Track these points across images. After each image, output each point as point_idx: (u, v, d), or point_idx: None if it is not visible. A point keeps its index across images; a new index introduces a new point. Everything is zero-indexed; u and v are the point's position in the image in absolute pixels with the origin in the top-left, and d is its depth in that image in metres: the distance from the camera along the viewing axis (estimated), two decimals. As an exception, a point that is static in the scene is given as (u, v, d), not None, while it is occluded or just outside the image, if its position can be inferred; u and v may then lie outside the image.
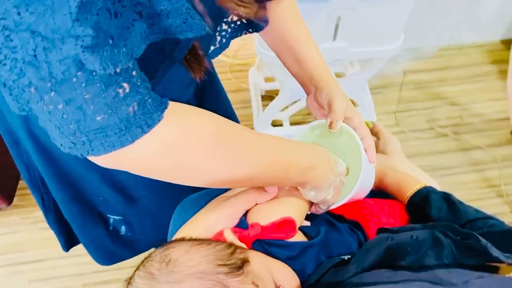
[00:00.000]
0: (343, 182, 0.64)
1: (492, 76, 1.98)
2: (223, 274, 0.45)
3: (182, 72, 0.59)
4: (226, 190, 0.66)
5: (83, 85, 0.38)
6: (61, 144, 0.43)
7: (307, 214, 0.65)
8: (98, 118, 0.39)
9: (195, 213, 0.63)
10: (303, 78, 0.74)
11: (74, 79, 0.37)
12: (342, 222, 0.67)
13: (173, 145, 0.44)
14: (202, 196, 0.68)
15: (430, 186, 0.73)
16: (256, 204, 0.60)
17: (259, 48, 1.32)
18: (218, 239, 0.52)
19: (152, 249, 0.52)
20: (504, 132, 1.79)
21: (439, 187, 0.74)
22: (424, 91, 1.94)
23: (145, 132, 0.42)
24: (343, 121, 0.69)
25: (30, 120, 0.69)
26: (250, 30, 0.73)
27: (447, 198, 0.69)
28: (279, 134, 1.33)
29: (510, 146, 1.75)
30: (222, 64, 1.98)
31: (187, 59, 0.56)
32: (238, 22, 0.71)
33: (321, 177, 0.60)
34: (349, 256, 0.54)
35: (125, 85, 0.40)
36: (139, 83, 0.42)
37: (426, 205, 0.68)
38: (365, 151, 0.68)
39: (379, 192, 0.78)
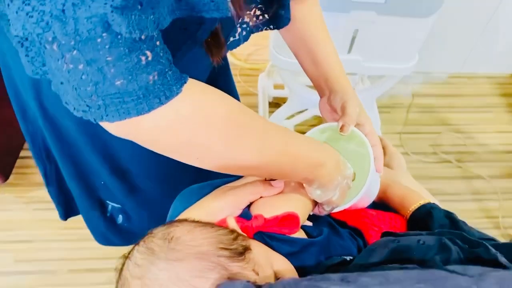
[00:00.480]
0: (350, 186, 0.64)
1: (500, 108, 1.99)
2: (224, 257, 0.44)
3: (201, 56, 0.59)
4: (230, 181, 0.65)
5: (107, 46, 0.37)
6: (74, 108, 0.42)
7: (310, 215, 0.64)
8: (118, 82, 0.39)
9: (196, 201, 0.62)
10: (318, 80, 0.74)
11: (99, 40, 0.37)
12: (344, 227, 0.66)
13: (187, 121, 0.44)
14: (205, 187, 0.68)
15: (433, 203, 0.72)
16: (261, 197, 0.59)
17: (273, 53, 1.32)
18: (221, 225, 0.52)
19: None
20: (508, 165, 1.79)
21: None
22: (431, 115, 1.94)
23: (162, 103, 0.41)
24: (355, 126, 0.68)
25: (41, 90, 0.68)
26: (272, 26, 0.73)
27: (450, 216, 0.68)
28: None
29: (512, 179, 1.75)
30: (233, 66, 1.98)
31: (207, 41, 0.56)
32: (261, 17, 0.71)
33: (329, 176, 0.59)
34: (351, 257, 0.54)
35: (148, 53, 0.40)
36: (161, 54, 0.41)
37: (428, 221, 0.67)
38: (374, 158, 0.67)
39: (381, 205, 0.77)
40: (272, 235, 0.54)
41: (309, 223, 0.63)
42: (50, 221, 1.50)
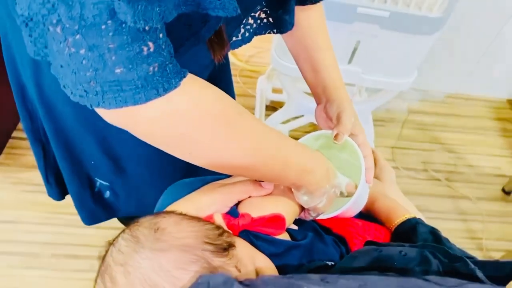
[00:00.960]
0: (337, 195, 0.64)
1: (493, 132, 2.01)
2: (208, 252, 0.44)
3: (203, 53, 0.59)
4: (221, 178, 0.65)
5: (110, 34, 0.38)
6: (71, 92, 0.42)
7: (296, 219, 0.65)
8: (117, 70, 0.39)
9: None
10: (316, 87, 0.75)
11: (103, 26, 0.37)
12: (329, 233, 0.67)
13: (183, 115, 0.44)
14: (196, 182, 0.68)
15: (419, 218, 0.73)
16: (250, 196, 0.60)
17: (275, 56, 1.33)
18: (208, 220, 0.52)
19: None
20: (495, 188, 1.81)
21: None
22: (424, 133, 1.96)
23: (160, 95, 0.42)
24: (348, 136, 0.69)
25: (40, 71, 0.69)
26: (275, 30, 0.73)
27: (434, 232, 0.69)
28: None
29: (499, 202, 1.77)
30: (233, 67, 1.99)
31: (211, 39, 0.57)
32: (265, 20, 0.72)
33: (316, 184, 0.60)
34: (333, 263, 0.54)
35: (151, 44, 0.40)
36: (163, 46, 0.42)
37: (412, 235, 0.68)
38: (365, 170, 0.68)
39: (368, 216, 0.78)
40: (257, 235, 0.54)
41: (295, 227, 0.64)
42: (37, 203, 1.50)
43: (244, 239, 0.53)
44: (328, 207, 0.64)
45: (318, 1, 0.71)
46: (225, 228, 0.51)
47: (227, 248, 0.46)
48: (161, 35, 0.41)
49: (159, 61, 0.41)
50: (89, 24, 0.37)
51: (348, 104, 0.72)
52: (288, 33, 0.73)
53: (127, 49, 0.39)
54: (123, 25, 0.38)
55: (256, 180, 0.61)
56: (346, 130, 0.68)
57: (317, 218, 0.66)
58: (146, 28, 0.39)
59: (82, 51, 0.38)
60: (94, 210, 0.94)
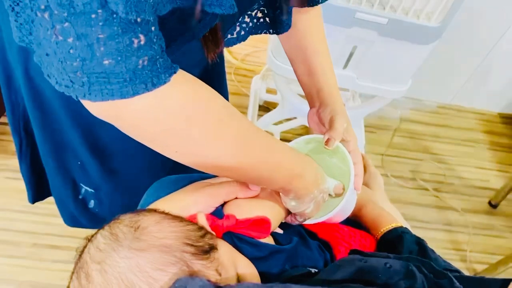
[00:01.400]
0: (325, 200, 0.64)
1: (483, 145, 2.02)
2: (188, 253, 0.43)
3: (196, 50, 0.58)
4: (208, 178, 0.64)
5: (100, 23, 0.36)
6: (56, 82, 0.41)
7: (281, 223, 0.64)
8: (106, 62, 0.38)
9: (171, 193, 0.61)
10: (311, 90, 0.74)
11: (93, 15, 0.36)
12: (314, 239, 0.66)
13: (170, 111, 0.43)
14: (182, 179, 0.67)
15: (405, 227, 0.73)
16: (236, 198, 0.59)
17: (271, 57, 1.32)
18: (190, 220, 0.51)
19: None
20: (482, 201, 1.82)
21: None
22: (415, 142, 1.97)
23: (148, 90, 0.40)
24: (340, 142, 0.69)
25: (29, 59, 0.67)
26: (271, 30, 0.72)
27: (420, 243, 0.69)
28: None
29: (485, 215, 1.78)
30: (228, 65, 1.98)
31: (205, 36, 0.55)
32: (261, 20, 0.71)
33: (305, 189, 0.59)
34: (316, 270, 0.53)
35: (142, 36, 0.39)
36: (155, 40, 0.41)
37: (398, 244, 0.67)
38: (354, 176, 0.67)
39: (354, 222, 0.77)
40: (241, 237, 0.53)
41: (280, 231, 0.63)
42: (20, 191, 1.46)
43: (227, 241, 0.52)
44: (315, 213, 0.63)
45: (316, 4, 0.70)
46: (208, 229, 0.50)
47: (209, 250, 0.45)
48: (153, 28, 0.40)
49: (149, 55, 0.40)
50: (79, 12, 0.36)
51: (341, 110, 0.71)
52: (285, 34, 0.72)
53: (117, 41, 0.37)
54: (114, 15, 0.36)
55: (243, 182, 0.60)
56: (337, 136, 0.67)
57: (303, 223, 0.65)
58: (138, 20, 0.38)
59: (70, 40, 0.37)
60: (75, 216, 0.92)
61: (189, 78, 0.45)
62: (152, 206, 0.56)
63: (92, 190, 0.89)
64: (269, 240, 0.58)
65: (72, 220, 0.95)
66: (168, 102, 0.43)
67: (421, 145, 1.95)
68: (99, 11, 0.36)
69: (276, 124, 1.75)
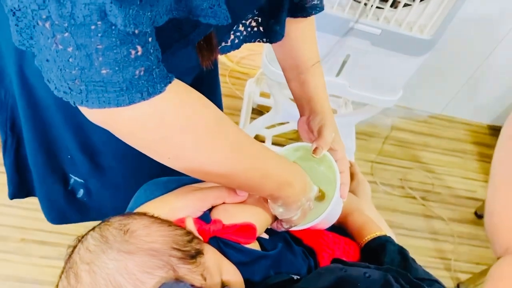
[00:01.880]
0: (311, 207, 0.65)
1: (471, 155, 2.05)
2: (175, 258, 0.45)
3: (190, 56, 0.59)
4: (198, 181, 0.65)
5: (99, 35, 0.37)
6: (55, 87, 0.42)
7: (267, 228, 0.66)
8: (103, 71, 0.39)
9: (160, 196, 0.63)
10: (301, 99, 0.76)
11: (93, 27, 0.37)
12: (299, 244, 0.68)
13: (164, 120, 0.44)
14: (172, 182, 0.68)
15: (389, 236, 0.74)
16: (224, 203, 0.60)
17: (265, 62, 1.33)
18: (178, 225, 0.52)
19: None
20: (468, 211, 1.85)
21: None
22: (405, 150, 1.99)
23: (144, 99, 0.42)
24: (328, 151, 0.70)
25: (24, 58, 0.68)
26: (265, 39, 0.74)
27: (402, 252, 0.70)
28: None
29: (470, 225, 1.81)
30: (223, 66, 1.99)
31: (200, 44, 0.57)
32: (255, 28, 0.72)
33: (294, 196, 0.61)
34: (298, 277, 0.55)
35: (139, 48, 0.40)
36: (151, 51, 0.42)
37: (381, 253, 0.69)
38: (340, 185, 0.69)
39: (340, 229, 0.79)
40: (227, 242, 0.54)
41: (266, 236, 0.64)
42: (10, 186, 1.47)
43: (213, 245, 0.53)
44: (302, 220, 0.65)
45: (309, 15, 0.72)
46: (196, 233, 0.52)
47: (195, 255, 0.46)
48: (150, 39, 0.42)
49: (146, 65, 0.41)
50: (79, 23, 0.37)
51: (330, 119, 0.73)
52: (278, 43, 0.74)
53: (115, 51, 0.39)
54: (113, 27, 0.38)
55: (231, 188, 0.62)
56: (325, 145, 0.69)
57: (289, 229, 0.67)
58: (136, 31, 0.39)
59: (70, 49, 0.38)
60: (63, 209, 0.92)
61: (185, 88, 0.47)
62: (141, 208, 0.57)
63: (82, 181, 0.90)
64: (254, 245, 0.59)
65: (59, 216, 0.95)
66: (163, 111, 0.44)
67: (411, 154, 1.98)
68: (99, 23, 0.37)
69: (268, 127, 1.76)
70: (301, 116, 0.77)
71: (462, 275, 1.65)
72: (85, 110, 0.43)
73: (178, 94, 0.45)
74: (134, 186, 0.72)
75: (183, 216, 0.55)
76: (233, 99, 1.92)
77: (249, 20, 0.69)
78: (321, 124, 0.71)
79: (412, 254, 0.71)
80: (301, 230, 0.69)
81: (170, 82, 0.44)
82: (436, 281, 0.65)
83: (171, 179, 0.70)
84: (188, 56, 0.59)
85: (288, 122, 1.76)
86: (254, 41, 0.73)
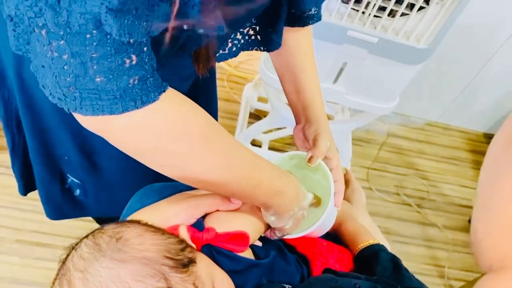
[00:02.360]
0: (304, 216, 0.66)
1: (467, 163, 2.06)
2: (167, 266, 0.45)
3: (186, 64, 0.60)
4: (193, 188, 0.66)
5: (94, 43, 0.38)
6: (50, 93, 0.43)
7: (261, 236, 0.66)
8: (98, 79, 0.40)
9: (155, 202, 0.63)
10: (297, 107, 0.76)
11: (88, 35, 0.37)
12: (292, 252, 0.68)
13: (157, 129, 0.45)
14: (167, 188, 0.68)
15: (382, 245, 0.75)
16: (217, 210, 0.61)
17: (263, 68, 1.34)
18: (171, 232, 0.52)
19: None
20: (463, 219, 1.85)
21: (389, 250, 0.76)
22: (401, 157, 2.00)
23: (137, 108, 0.42)
24: (322, 160, 0.71)
25: (22, 60, 0.68)
26: (262, 48, 0.74)
27: (395, 261, 0.70)
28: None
29: (465, 233, 1.81)
30: (222, 71, 2.00)
31: (196, 53, 0.57)
32: (253, 37, 0.73)
33: (286, 205, 0.61)
34: (290, 286, 0.55)
35: (134, 57, 0.41)
36: (146, 60, 0.42)
37: (373, 261, 0.69)
38: (334, 193, 0.69)
39: (334, 236, 0.79)
40: (219, 250, 0.55)
41: (259, 243, 0.65)
42: (6, 186, 1.48)
43: (206, 253, 0.54)
44: (294, 229, 0.65)
45: (307, 24, 0.72)
46: (189, 242, 0.52)
47: (187, 264, 0.46)
48: (145, 49, 0.42)
49: (140, 74, 0.42)
50: (74, 32, 0.37)
51: (326, 129, 0.73)
52: (275, 52, 0.74)
53: (110, 60, 0.39)
54: (108, 36, 0.38)
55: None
56: (320, 154, 0.69)
57: (282, 237, 0.67)
58: (131, 41, 0.40)
59: (65, 57, 0.39)
60: (61, 206, 0.93)
61: (178, 97, 0.47)
62: (135, 215, 0.57)
63: (78, 182, 0.90)
64: (247, 253, 0.59)
65: (56, 212, 0.96)
66: (156, 120, 0.44)
67: (406, 161, 1.99)
68: (94, 32, 0.37)
69: (265, 132, 1.77)
70: (296, 124, 0.78)
71: (455, 282, 1.66)
72: (79, 117, 0.43)
73: (172, 103, 0.46)
74: (131, 187, 0.72)
75: (176, 223, 0.55)
76: (230, 103, 1.93)
77: (247, 29, 0.70)
78: (316, 133, 0.72)
79: (406, 261, 0.71)
80: (294, 238, 0.69)
81: (164, 91, 0.44)
82: (428, 292, 0.65)
83: (167, 185, 0.70)
84: (185, 64, 0.60)
85: (285, 127, 1.77)
86: (252, 49, 0.74)
